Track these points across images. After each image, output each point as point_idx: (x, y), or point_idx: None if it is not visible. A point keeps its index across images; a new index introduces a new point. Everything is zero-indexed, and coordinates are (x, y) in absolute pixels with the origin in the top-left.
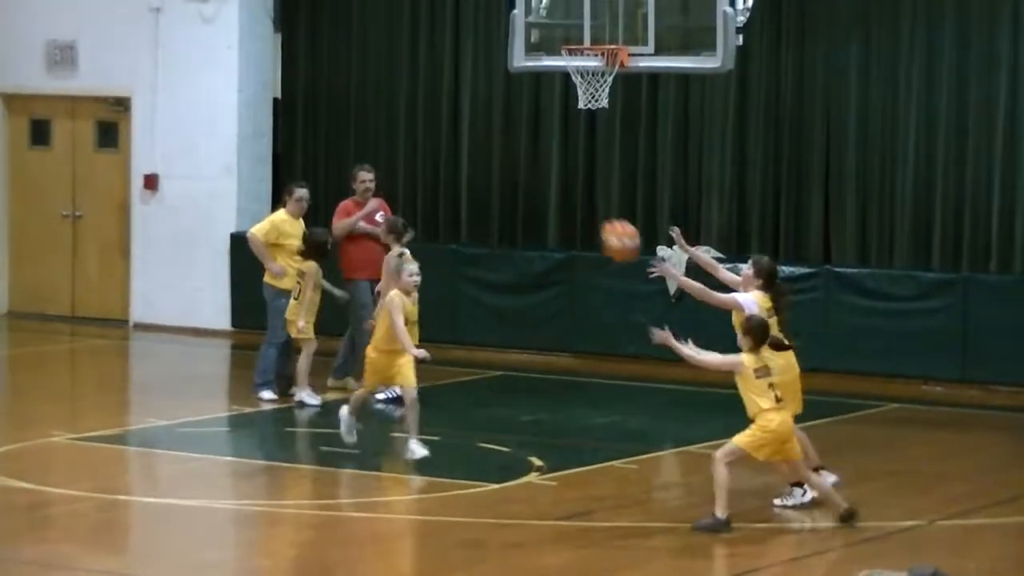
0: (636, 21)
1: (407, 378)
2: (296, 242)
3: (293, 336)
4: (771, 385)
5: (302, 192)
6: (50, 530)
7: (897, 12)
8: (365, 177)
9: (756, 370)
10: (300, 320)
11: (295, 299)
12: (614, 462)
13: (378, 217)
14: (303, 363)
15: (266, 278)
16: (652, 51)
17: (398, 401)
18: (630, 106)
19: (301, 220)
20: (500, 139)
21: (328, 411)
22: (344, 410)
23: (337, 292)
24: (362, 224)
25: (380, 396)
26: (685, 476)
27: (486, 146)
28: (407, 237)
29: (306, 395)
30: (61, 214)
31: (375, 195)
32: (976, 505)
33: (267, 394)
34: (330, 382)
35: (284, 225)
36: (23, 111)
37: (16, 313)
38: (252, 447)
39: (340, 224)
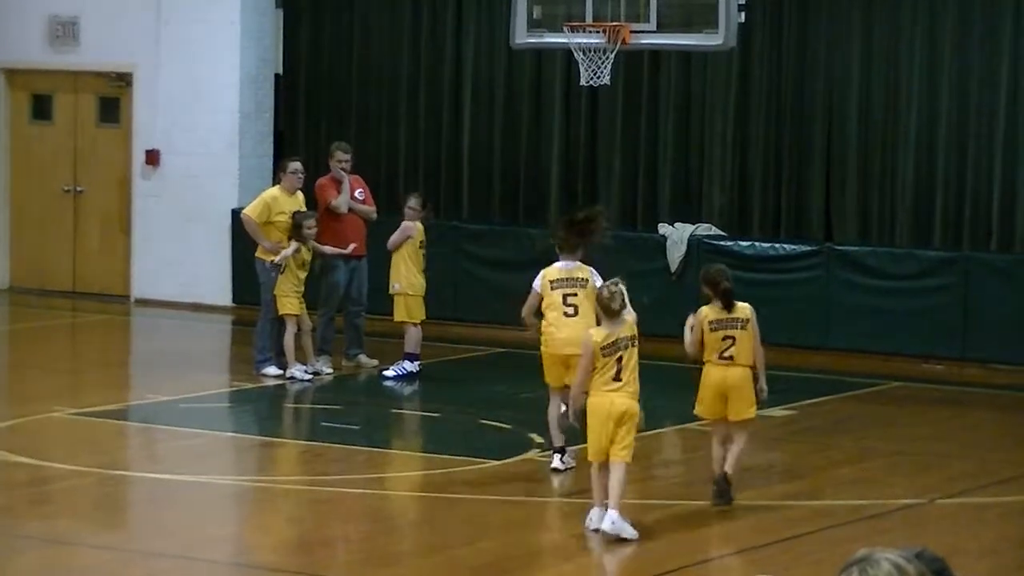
0: None
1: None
2: (288, 218)
3: (280, 312)
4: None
5: (296, 165)
6: (51, 505)
7: None
8: (343, 157)
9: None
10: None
11: (281, 274)
12: None
13: (357, 194)
14: (289, 339)
15: (258, 253)
16: (654, 28)
17: (408, 378)
18: (632, 83)
19: (298, 195)
20: (502, 116)
21: (327, 388)
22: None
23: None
24: (350, 202)
25: (389, 373)
26: (685, 453)
27: (488, 122)
28: (427, 215)
29: (296, 370)
30: (62, 189)
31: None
32: (977, 484)
33: (271, 370)
34: (343, 362)
35: (277, 202)
36: (25, 86)
37: (17, 288)
38: (253, 423)
39: (339, 201)
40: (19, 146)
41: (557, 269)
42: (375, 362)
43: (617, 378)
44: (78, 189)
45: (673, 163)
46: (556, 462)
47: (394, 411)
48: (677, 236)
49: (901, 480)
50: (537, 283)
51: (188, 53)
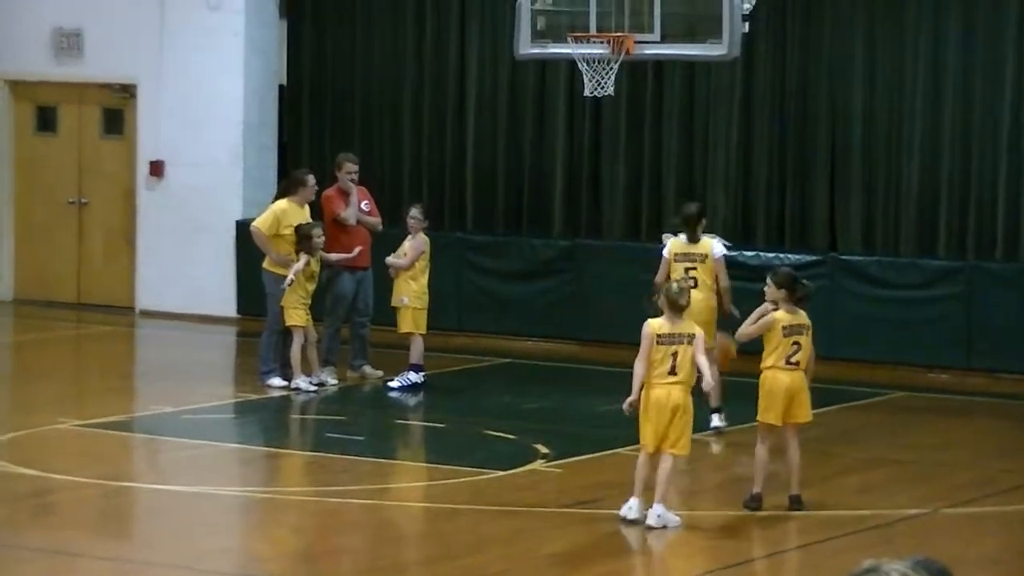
0: (642, 8)
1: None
2: None
3: (287, 324)
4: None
5: (313, 178)
6: (55, 517)
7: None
8: (352, 168)
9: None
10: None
11: (288, 286)
12: (619, 449)
13: (363, 206)
14: (296, 351)
15: (265, 265)
16: (658, 38)
17: (413, 388)
18: (636, 94)
19: (306, 207)
20: (506, 126)
21: (332, 399)
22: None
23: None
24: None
25: (394, 384)
26: (690, 463)
27: (492, 133)
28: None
29: (301, 381)
30: (67, 201)
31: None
32: (981, 493)
33: (276, 381)
34: (348, 373)
35: (286, 215)
36: (29, 98)
37: (22, 300)
38: (257, 434)
39: (348, 213)
40: (23, 158)
41: (681, 243)
42: (380, 373)
43: (673, 372)
44: (82, 201)
45: (676, 174)
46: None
47: (399, 422)
48: None
49: (905, 490)
50: (666, 251)
51: (192, 65)
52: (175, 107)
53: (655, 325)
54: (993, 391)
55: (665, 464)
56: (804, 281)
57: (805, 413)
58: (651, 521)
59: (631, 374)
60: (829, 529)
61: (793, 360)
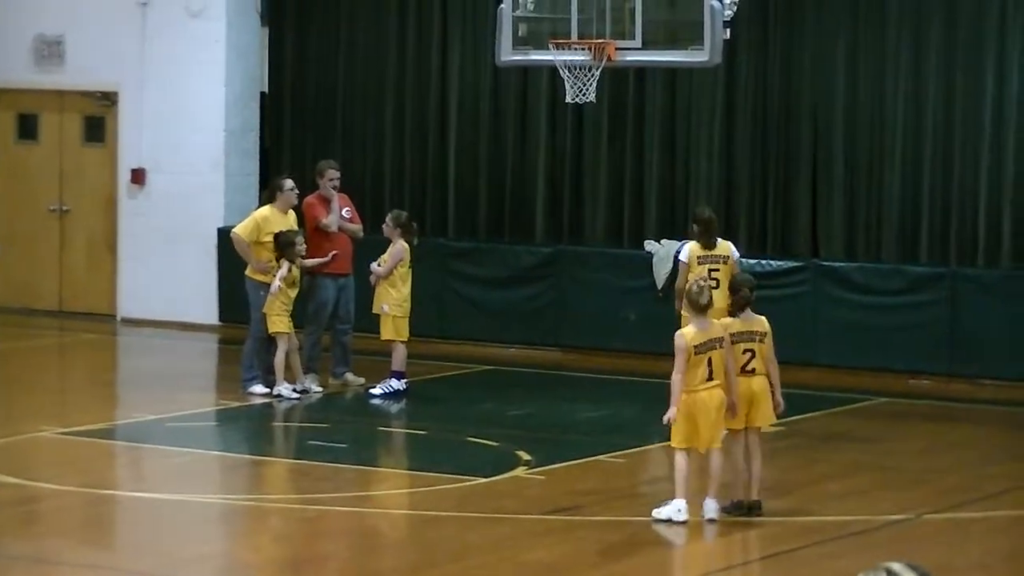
0: (623, 15)
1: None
2: None
3: (270, 331)
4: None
5: (292, 183)
6: (38, 525)
7: (884, 6)
8: (334, 175)
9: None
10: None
11: (271, 294)
12: (601, 456)
13: (344, 212)
14: (280, 358)
15: (248, 272)
16: (639, 45)
17: (395, 395)
18: (617, 100)
19: (290, 213)
20: (487, 133)
21: (314, 406)
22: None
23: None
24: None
25: (376, 391)
26: (672, 470)
27: (473, 140)
28: (414, 235)
29: (284, 388)
30: (48, 209)
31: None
32: (964, 499)
33: (257, 388)
34: (330, 380)
35: (267, 222)
36: (10, 105)
37: (3, 308)
38: (240, 441)
39: (330, 220)
40: (4, 165)
41: (699, 248)
42: (362, 380)
43: (710, 378)
44: (64, 208)
45: (658, 180)
46: None
47: (381, 429)
48: (664, 252)
49: (889, 495)
50: (684, 255)
51: (173, 72)
52: (157, 114)
53: (689, 336)
54: (975, 397)
55: (717, 460)
56: (744, 286)
57: (769, 415)
58: (713, 515)
59: (614, 381)
60: (812, 535)
61: (748, 368)
